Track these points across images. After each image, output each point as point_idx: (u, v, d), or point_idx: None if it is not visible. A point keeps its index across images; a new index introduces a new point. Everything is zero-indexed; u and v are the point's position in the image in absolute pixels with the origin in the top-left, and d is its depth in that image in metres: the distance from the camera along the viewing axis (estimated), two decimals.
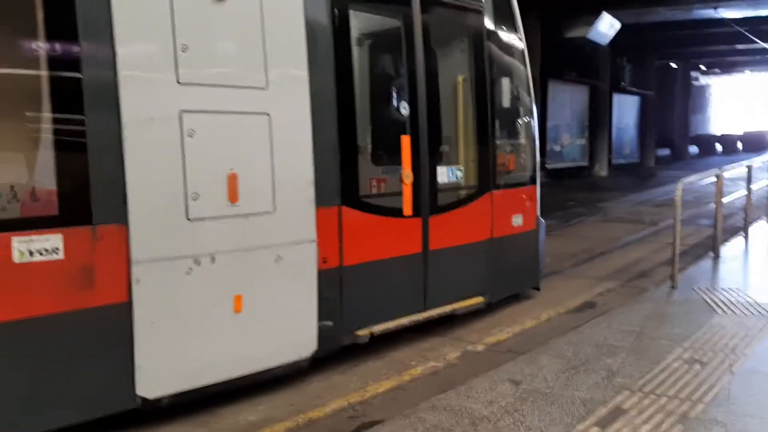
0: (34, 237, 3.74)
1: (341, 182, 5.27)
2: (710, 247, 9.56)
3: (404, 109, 5.87)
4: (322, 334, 5.17)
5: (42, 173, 4.05)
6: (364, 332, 5.56)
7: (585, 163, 28.03)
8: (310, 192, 5.00)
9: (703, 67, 43.58)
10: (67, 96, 3.96)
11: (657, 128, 36.29)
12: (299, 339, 5.05)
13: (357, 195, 5.52)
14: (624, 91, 32.60)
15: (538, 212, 7.56)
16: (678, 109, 41.38)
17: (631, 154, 34.20)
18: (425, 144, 5.98)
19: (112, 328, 4.08)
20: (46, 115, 4.01)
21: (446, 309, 6.31)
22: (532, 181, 7.49)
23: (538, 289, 7.71)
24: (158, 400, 4.29)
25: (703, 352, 5.35)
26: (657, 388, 4.66)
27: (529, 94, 7.49)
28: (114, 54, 3.99)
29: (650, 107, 34.96)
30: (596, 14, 21.21)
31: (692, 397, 4.48)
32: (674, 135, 41.63)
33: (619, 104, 31.79)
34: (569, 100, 26.32)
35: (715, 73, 46.65)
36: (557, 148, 25.54)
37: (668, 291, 7.54)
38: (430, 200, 6.07)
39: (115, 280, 4.04)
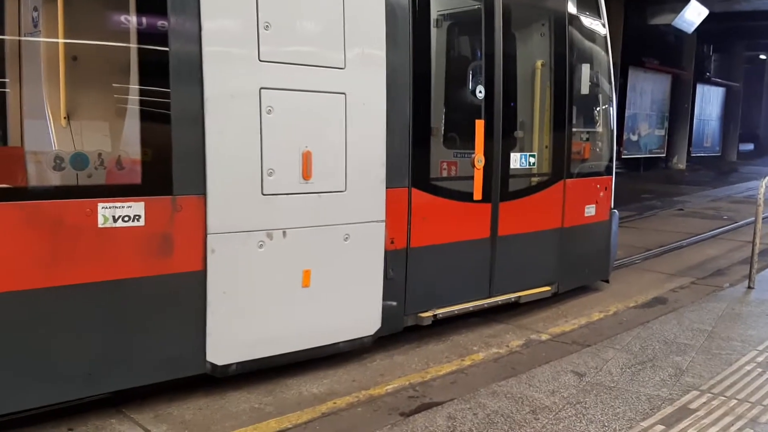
0: (118, 204, 3.90)
1: (412, 164, 5.28)
2: None
3: (480, 92, 5.82)
4: (386, 314, 5.23)
5: (127, 143, 4.23)
6: (427, 314, 5.59)
7: (662, 154, 27.15)
8: (381, 172, 5.04)
9: None
10: (154, 69, 4.09)
11: (741, 121, 34.79)
12: (363, 316, 5.13)
13: (427, 177, 5.52)
14: (708, 81, 31.32)
15: (612, 203, 7.40)
16: (765, 102, 39.57)
17: (712, 147, 32.94)
18: (499, 129, 5.93)
19: (187, 295, 4.23)
20: (134, 87, 4.16)
21: (512, 296, 6.28)
22: (608, 171, 7.32)
23: (607, 281, 7.58)
24: (227, 367, 4.44)
25: None
26: (727, 390, 4.53)
27: (610, 81, 7.31)
28: (200, 29, 4.08)
29: (735, 99, 33.51)
30: (684, 1, 20.35)
31: (764, 402, 4.33)
32: (760, 129, 39.86)
33: (702, 95, 30.59)
34: (650, 89, 25.46)
35: None
36: (634, 137, 24.80)
37: (744, 291, 7.30)
38: (501, 186, 6.02)
39: (191, 249, 4.18)
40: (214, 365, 4.37)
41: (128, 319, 4.03)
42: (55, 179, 4.10)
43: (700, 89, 30.18)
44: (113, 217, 3.88)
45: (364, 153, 4.91)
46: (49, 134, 4.46)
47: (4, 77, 4.58)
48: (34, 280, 3.68)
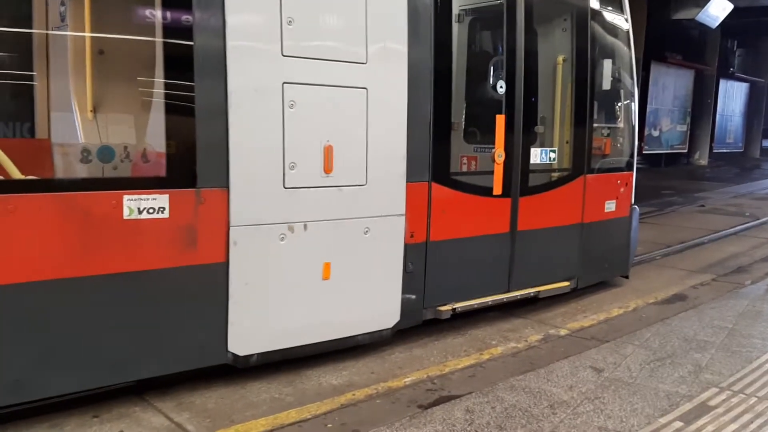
0: (143, 196, 3.96)
1: (432, 158, 5.30)
2: None
3: (501, 87, 5.82)
4: (405, 307, 5.26)
5: (152, 136, 4.30)
6: (446, 308, 5.61)
7: (684, 150, 26.89)
8: (401, 167, 5.06)
9: None
10: (179, 63, 4.13)
11: (765, 117, 34.33)
12: (383, 309, 5.17)
13: (447, 172, 5.54)
14: (732, 77, 30.94)
15: (633, 199, 7.37)
16: None
17: (735, 143, 32.57)
18: (520, 124, 5.93)
19: (210, 287, 4.28)
20: (159, 80, 4.22)
21: (531, 291, 6.28)
22: (629, 166, 7.29)
23: (627, 277, 7.55)
24: (248, 357, 4.50)
25: None
26: (747, 388, 4.52)
27: (631, 77, 7.27)
28: (224, 24, 4.12)
29: (759, 95, 33.08)
30: None
31: None
32: None
33: (725, 90, 30.24)
34: (672, 84, 25.22)
35: None
36: (656, 133, 24.59)
37: (766, 288, 7.26)
38: (521, 181, 6.02)
39: (214, 241, 4.24)
40: (235, 355, 4.44)
41: (152, 309, 4.10)
42: (81, 171, 4.18)
43: (724, 85, 29.84)
44: (138, 209, 3.94)
45: (385, 147, 4.94)
46: (76, 127, 4.54)
47: (32, 71, 4.67)
48: (61, 270, 3.75)
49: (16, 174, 3.78)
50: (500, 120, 5.79)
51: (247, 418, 4.15)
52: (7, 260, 3.59)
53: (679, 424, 3.99)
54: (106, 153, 4.20)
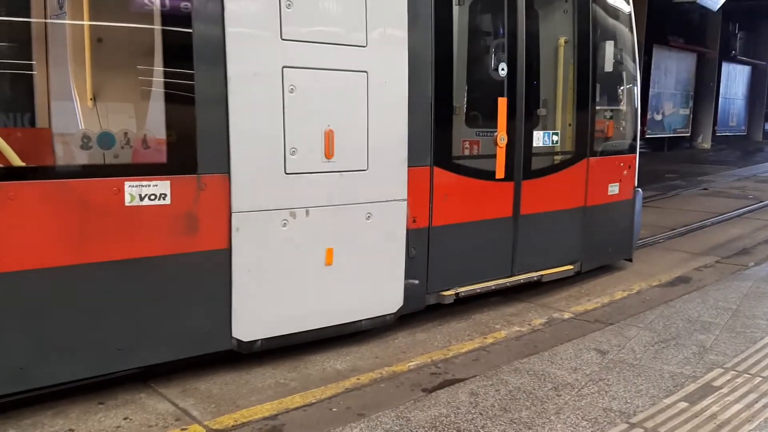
0: (144, 182, 3.95)
1: (434, 143, 5.27)
2: None
3: (503, 70, 5.79)
4: (408, 292, 5.26)
5: (153, 123, 4.27)
6: (449, 293, 5.61)
7: (687, 134, 26.81)
8: (403, 151, 5.04)
9: None
10: (178, 50, 4.11)
11: None
12: (386, 295, 5.16)
13: (449, 156, 5.51)
14: (734, 60, 30.78)
15: (636, 182, 7.34)
16: None
17: (738, 127, 32.46)
18: (522, 107, 5.89)
19: (213, 273, 4.28)
20: (158, 68, 4.20)
21: (534, 275, 6.27)
22: (632, 149, 7.27)
23: (630, 260, 7.54)
24: (252, 343, 4.50)
25: None
26: (752, 368, 4.51)
27: (634, 59, 7.22)
28: (222, 9, 4.10)
29: (761, 78, 32.93)
30: None
31: None
32: None
33: (727, 73, 30.10)
34: (674, 68, 25.12)
35: None
36: (658, 117, 24.51)
37: None
38: (524, 164, 6.00)
39: (216, 227, 4.23)
40: (239, 341, 4.44)
41: (155, 296, 4.09)
42: (82, 158, 4.17)
43: (726, 68, 29.71)
44: (140, 195, 3.93)
45: (386, 132, 4.91)
46: (76, 115, 4.52)
47: (31, 59, 4.64)
48: (64, 258, 3.75)
49: (16, 161, 3.77)
50: (502, 103, 5.76)
51: (252, 403, 4.16)
52: (8, 248, 3.59)
53: (683, 404, 3.99)
54: (106, 140, 4.18)
